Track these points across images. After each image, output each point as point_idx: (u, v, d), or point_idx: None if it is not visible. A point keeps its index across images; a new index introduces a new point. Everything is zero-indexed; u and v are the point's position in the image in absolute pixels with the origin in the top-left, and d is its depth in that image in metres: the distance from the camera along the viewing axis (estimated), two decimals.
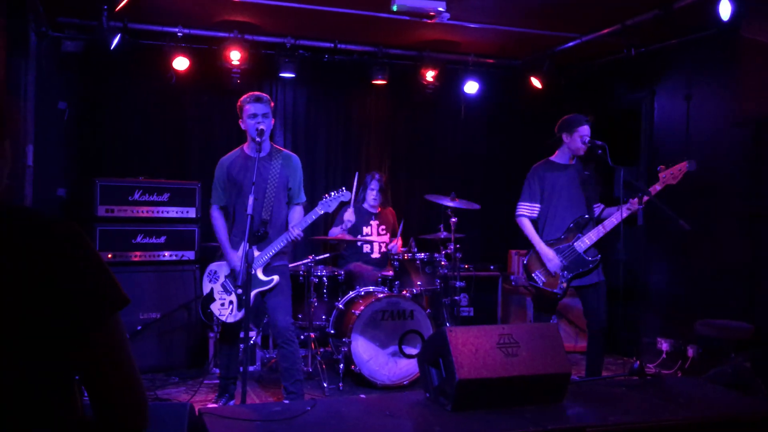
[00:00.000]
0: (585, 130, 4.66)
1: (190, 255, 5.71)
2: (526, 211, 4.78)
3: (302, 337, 5.11)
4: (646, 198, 4.38)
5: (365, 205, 5.98)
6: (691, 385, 3.73)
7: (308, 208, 4.45)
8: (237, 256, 4.26)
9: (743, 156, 5.31)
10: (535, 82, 6.70)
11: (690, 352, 5.56)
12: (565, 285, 4.61)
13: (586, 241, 4.59)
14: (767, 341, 4.87)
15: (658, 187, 4.49)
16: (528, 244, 4.79)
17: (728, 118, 5.39)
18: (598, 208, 4.84)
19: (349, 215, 5.46)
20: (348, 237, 5.68)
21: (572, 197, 4.70)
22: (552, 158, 4.83)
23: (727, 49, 5.33)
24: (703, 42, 5.58)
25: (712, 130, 5.58)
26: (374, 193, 5.92)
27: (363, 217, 5.95)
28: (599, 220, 4.70)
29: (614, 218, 4.55)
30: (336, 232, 5.73)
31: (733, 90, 5.31)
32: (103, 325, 1.29)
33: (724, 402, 3.37)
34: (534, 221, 4.78)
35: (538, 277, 4.69)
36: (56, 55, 5.67)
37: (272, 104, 4.36)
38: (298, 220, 4.34)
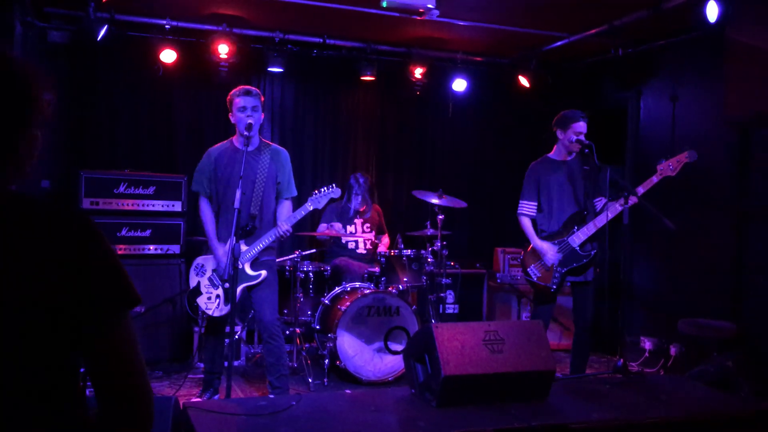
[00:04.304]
0: (579, 126, 4.62)
1: (175, 249, 5.68)
2: (526, 209, 4.80)
3: (287, 332, 5.10)
4: (632, 199, 4.37)
5: (350, 205, 6.01)
6: (674, 383, 3.77)
7: (297, 202, 4.44)
8: (223, 251, 4.24)
9: (729, 156, 5.36)
10: (523, 81, 6.72)
11: (673, 350, 5.62)
12: (558, 279, 4.63)
13: (580, 236, 4.58)
14: (750, 340, 4.93)
15: (655, 179, 4.41)
16: (517, 242, 4.79)
17: (714, 119, 5.44)
18: (600, 203, 4.76)
19: (338, 225, 5.81)
20: (333, 232, 5.69)
21: (569, 193, 4.70)
22: (549, 155, 4.84)
23: (712, 51, 5.37)
24: (689, 43, 5.62)
25: (697, 130, 5.63)
26: (359, 198, 5.99)
27: (348, 217, 5.98)
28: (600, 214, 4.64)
29: (604, 216, 4.50)
30: (324, 229, 5.75)
31: (719, 91, 5.36)
32: (118, 319, 1.30)
33: (707, 400, 3.40)
34: (534, 218, 4.80)
35: (533, 271, 4.72)
36: (42, 46, 5.61)
37: (262, 98, 4.34)
38: (286, 216, 4.32)
